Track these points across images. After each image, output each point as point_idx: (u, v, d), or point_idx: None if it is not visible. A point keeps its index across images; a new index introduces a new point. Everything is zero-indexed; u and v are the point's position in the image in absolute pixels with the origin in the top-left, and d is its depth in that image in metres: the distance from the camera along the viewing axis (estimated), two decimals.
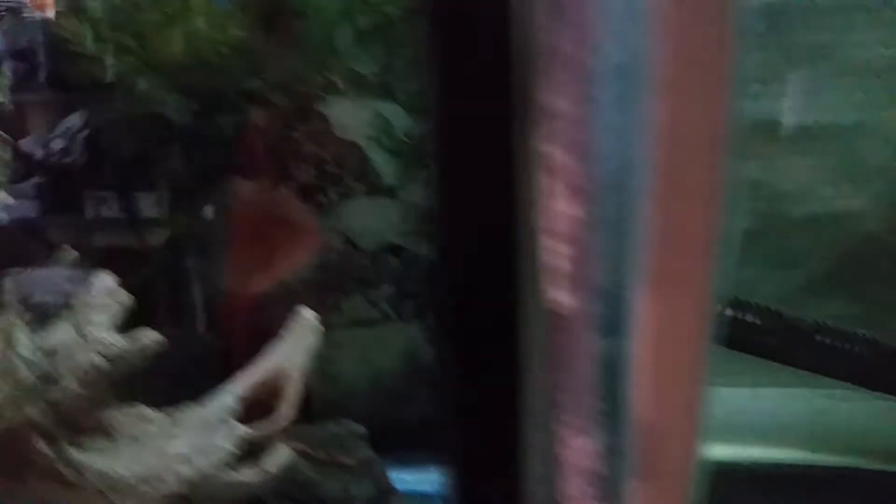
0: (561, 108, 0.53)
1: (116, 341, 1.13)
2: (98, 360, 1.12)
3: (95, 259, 1.17)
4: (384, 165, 1.73)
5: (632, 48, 0.53)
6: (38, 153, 1.57)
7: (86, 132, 1.55)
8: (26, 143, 1.64)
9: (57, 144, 1.55)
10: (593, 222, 0.58)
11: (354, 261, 1.69)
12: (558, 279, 0.60)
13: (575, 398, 0.70)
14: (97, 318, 1.14)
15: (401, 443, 1.47)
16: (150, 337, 1.13)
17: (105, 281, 1.14)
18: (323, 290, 1.61)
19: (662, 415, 0.69)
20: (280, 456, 1.12)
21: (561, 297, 0.61)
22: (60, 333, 1.13)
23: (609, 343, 0.70)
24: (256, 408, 1.15)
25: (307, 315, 1.21)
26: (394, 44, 1.65)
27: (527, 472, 0.73)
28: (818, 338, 1.42)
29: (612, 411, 0.69)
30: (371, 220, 1.76)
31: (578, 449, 0.69)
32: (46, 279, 1.24)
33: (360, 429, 1.48)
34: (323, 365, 1.34)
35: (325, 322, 1.21)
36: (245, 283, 1.55)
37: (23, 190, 1.59)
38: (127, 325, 1.17)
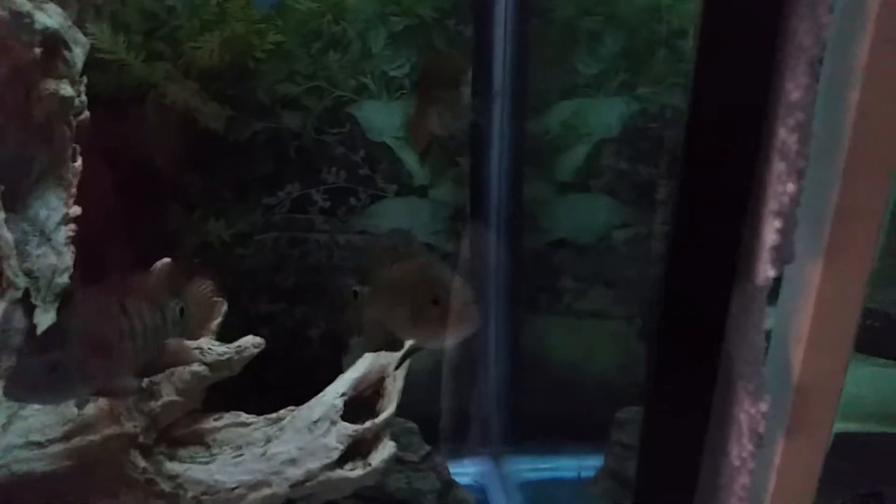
0: (794, 96, 0.58)
1: (217, 348, 1.12)
2: (199, 368, 1.11)
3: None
4: (415, 166, 1.75)
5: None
6: None
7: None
8: None
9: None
10: (798, 198, 0.63)
11: None
12: (767, 253, 0.66)
13: (751, 367, 0.75)
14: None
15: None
16: (251, 342, 1.13)
17: (204, 288, 1.13)
18: None
19: (815, 379, 0.75)
20: (385, 451, 1.13)
21: (765, 270, 0.66)
22: None
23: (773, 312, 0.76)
24: (359, 405, 1.16)
25: None
26: (425, 45, 1.68)
27: (706, 433, 0.79)
28: None
29: (773, 377, 0.75)
30: (402, 220, 1.78)
31: (751, 412, 0.75)
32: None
33: (413, 425, 1.52)
34: None
35: None
36: None
37: None
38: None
